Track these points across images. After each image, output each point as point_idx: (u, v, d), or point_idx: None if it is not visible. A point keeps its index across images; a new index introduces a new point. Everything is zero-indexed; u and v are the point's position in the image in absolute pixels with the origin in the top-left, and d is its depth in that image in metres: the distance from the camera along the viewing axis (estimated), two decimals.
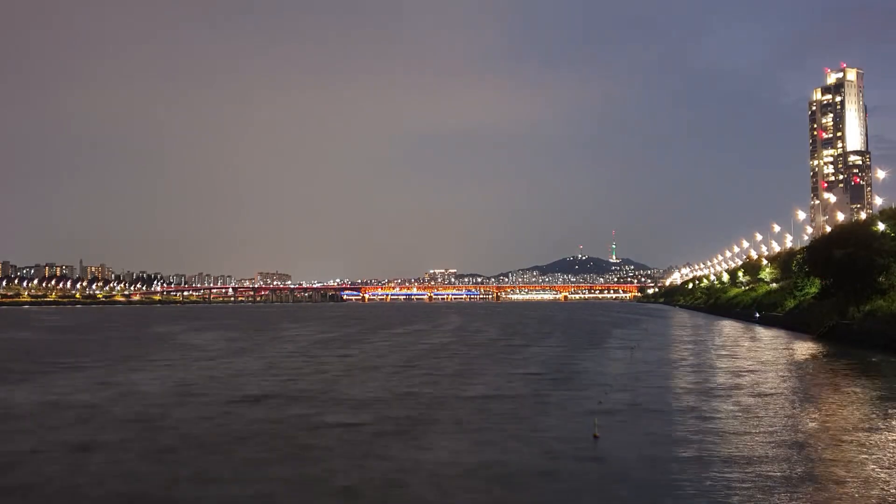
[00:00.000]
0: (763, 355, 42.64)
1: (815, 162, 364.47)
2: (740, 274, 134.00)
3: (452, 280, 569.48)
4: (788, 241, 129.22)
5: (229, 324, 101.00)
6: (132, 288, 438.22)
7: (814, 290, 66.25)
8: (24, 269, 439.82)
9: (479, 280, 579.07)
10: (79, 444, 18.17)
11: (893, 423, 20.29)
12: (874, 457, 15.93)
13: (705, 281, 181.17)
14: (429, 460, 16.02)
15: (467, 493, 13.65)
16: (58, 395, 26.85)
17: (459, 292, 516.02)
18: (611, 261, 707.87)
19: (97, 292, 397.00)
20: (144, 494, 13.79)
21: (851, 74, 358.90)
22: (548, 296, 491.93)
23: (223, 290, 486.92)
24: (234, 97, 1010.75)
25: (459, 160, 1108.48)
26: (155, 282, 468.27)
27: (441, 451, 16.88)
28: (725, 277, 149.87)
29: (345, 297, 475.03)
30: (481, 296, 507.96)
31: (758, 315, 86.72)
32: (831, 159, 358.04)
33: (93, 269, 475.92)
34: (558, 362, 38.57)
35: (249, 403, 24.58)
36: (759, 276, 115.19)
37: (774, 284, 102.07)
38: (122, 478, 14.93)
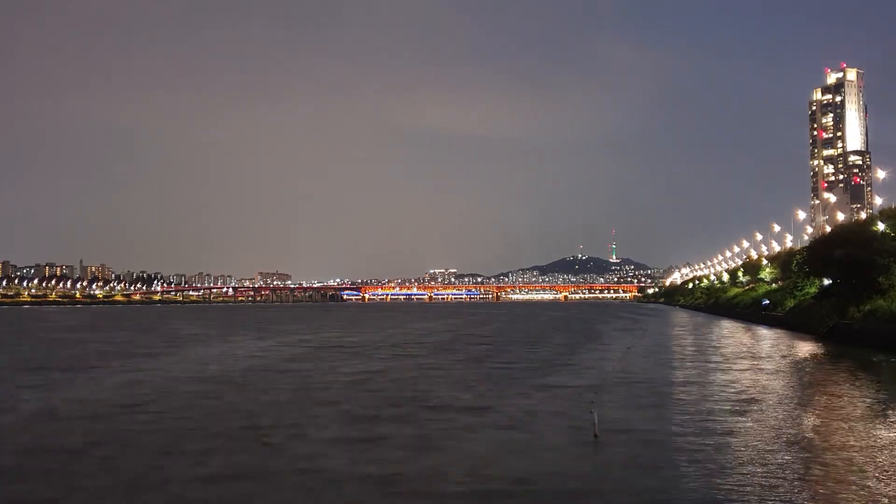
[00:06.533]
0: (763, 354, 42.61)
1: (815, 162, 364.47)
2: (740, 274, 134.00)
3: (452, 280, 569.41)
4: (788, 241, 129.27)
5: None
6: (132, 288, 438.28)
7: (814, 289, 66.24)
8: (24, 269, 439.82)
9: (479, 280, 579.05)
10: None
11: (893, 422, 20.26)
12: (873, 456, 15.89)
13: (705, 281, 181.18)
14: None
15: None
16: None
17: (459, 292, 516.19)
18: (611, 261, 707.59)
19: (97, 292, 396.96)
20: None
21: (851, 74, 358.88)
22: (548, 296, 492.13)
23: (223, 290, 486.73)
24: (235, 99, 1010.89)
25: (460, 161, 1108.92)
26: (155, 282, 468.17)
27: None
28: (725, 277, 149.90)
29: (345, 297, 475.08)
30: (481, 296, 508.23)
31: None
32: (831, 159, 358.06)
33: (93, 268, 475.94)
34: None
35: None
36: (759, 276, 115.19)
37: (775, 284, 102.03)
38: None
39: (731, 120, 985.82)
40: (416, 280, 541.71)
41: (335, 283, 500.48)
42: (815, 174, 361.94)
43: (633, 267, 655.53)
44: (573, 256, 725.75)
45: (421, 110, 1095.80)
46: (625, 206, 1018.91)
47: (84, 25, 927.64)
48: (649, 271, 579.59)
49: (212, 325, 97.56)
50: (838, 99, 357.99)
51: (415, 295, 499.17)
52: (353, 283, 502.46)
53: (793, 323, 66.96)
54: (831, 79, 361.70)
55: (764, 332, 67.05)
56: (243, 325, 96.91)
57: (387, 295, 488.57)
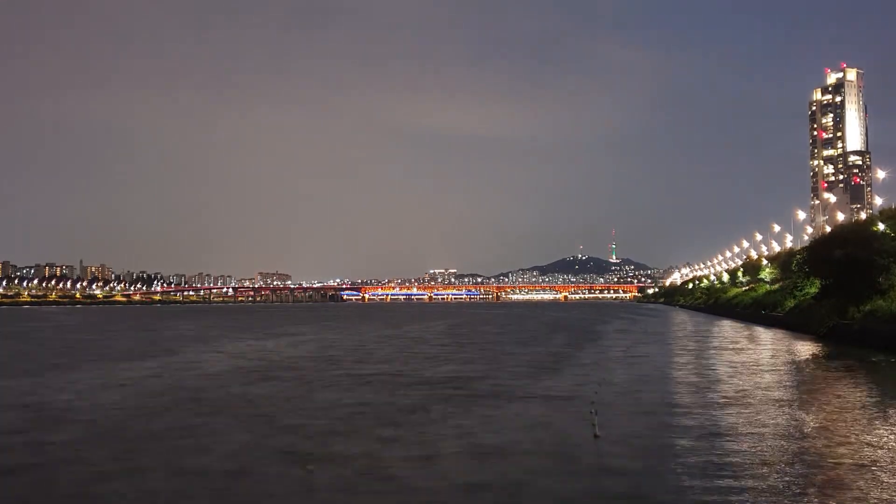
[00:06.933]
0: (763, 354, 42.55)
1: (815, 162, 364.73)
2: (740, 274, 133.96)
3: (452, 280, 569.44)
4: (788, 241, 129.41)
5: None
6: (132, 288, 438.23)
7: (814, 290, 66.06)
8: (24, 269, 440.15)
9: (479, 280, 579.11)
10: None
11: (893, 423, 20.21)
12: (873, 457, 15.84)
13: (705, 281, 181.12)
14: None
15: None
16: None
17: (459, 292, 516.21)
18: (611, 261, 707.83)
19: (97, 292, 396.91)
20: None
21: (851, 74, 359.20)
22: (548, 296, 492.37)
23: (223, 290, 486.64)
24: (235, 99, 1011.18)
25: (460, 161, 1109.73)
26: (155, 282, 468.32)
27: None
28: (725, 277, 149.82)
29: (345, 297, 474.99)
30: (481, 296, 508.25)
31: (763, 312, 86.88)
32: (831, 159, 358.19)
33: (93, 269, 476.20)
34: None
35: None
36: (759, 276, 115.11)
37: (775, 285, 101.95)
38: None
39: (731, 120, 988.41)
40: (416, 280, 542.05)
41: (335, 283, 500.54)
42: (815, 174, 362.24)
43: (633, 267, 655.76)
44: (573, 256, 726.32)
45: (421, 110, 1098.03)
46: (625, 206, 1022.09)
47: (84, 25, 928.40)
48: (649, 271, 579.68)
49: (186, 326, 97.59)
50: (838, 99, 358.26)
51: (415, 295, 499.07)
52: (353, 284, 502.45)
53: (792, 323, 66.85)
54: (831, 79, 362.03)
55: (763, 332, 66.93)
56: (210, 327, 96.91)
57: (387, 295, 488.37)
